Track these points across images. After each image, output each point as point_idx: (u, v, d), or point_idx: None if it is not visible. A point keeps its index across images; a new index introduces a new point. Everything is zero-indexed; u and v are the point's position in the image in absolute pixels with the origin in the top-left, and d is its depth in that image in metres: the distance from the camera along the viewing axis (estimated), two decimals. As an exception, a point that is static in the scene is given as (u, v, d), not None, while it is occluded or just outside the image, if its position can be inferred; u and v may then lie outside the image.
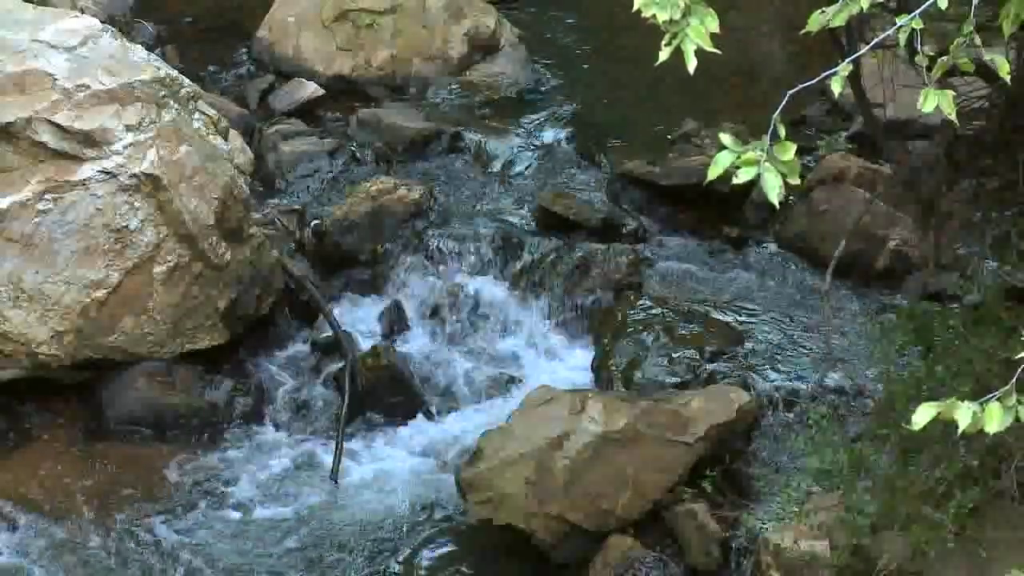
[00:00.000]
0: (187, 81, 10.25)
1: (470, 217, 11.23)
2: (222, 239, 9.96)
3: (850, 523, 7.69)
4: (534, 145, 12.11)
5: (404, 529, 9.27)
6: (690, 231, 11.31)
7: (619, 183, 11.59)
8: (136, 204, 9.64)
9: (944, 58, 4.79)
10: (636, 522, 8.80)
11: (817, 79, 4.72)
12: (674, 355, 9.94)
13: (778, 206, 4.50)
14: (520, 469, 8.86)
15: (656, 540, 8.77)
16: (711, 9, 4.58)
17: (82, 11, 11.47)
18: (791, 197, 10.56)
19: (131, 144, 9.62)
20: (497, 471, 8.91)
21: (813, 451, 8.17)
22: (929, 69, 4.70)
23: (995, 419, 4.41)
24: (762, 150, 4.42)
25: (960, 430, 4.42)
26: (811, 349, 10.03)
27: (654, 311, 10.36)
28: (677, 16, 4.53)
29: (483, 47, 13.18)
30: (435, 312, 10.67)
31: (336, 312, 10.55)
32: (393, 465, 9.78)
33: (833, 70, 4.66)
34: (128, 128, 9.63)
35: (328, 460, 9.72)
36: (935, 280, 9.67)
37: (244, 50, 13.26)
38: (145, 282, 9.77)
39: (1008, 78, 4.75)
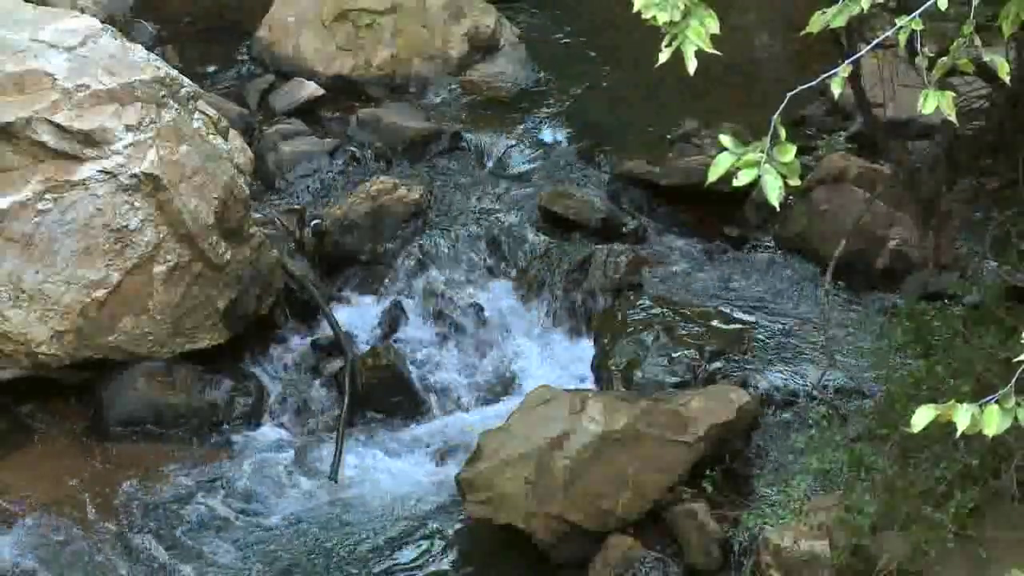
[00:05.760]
0: (187, 81, 10.24)
1: (470, 217, 11.23)
2: (222, 239, 9.96)
3: (850, 523, 7.69)
4: (534, 145, 12.10)
5: (404, 529, 9.27)
6: (690, 231, 11.29)
7: (619, 183, 11.57)
8: (136, 204, 9.63)
9: (944, 58, 4.79)
10: (636, 522, 8.79)
11: (817, 79, 4.73)
12: (674, 355, 9.93)
13: (778, 207, 4.49)
14: (520, 469, 8.86)
15: (656, 540, 8.77)
16: (711, 10, 4.58)
17: (82, 11, 11.47)
18: (791, 197, 10.54)
19: (131, 144, 9.61)
20: (497, 471, 8.90)
21: (813, 451, 8.17)
22: (929, 69, 4.70)
23: (994, 421, 4.40)
24: (762, 151, 4.42)
25: (959, 432, 4.42)
26: (811, 349, 10.01)
27: (654, 311, 10.35)
28: (677, 17, 4.53)
29: (483, 47, 13.16)
30: (435, 312, 10.66)
31: (336, 312, 10.55)
32: (393, 465, 9.78)
33: (833, 70, 4.66)
34: (128, 128, 9.62)
35: (328, 460, 9.71)
36: (935, 280, 9.66)
37: (244, 50, 13.24)
38: (145, 282, 9.76)
39: (1008, 78, 4.76)
